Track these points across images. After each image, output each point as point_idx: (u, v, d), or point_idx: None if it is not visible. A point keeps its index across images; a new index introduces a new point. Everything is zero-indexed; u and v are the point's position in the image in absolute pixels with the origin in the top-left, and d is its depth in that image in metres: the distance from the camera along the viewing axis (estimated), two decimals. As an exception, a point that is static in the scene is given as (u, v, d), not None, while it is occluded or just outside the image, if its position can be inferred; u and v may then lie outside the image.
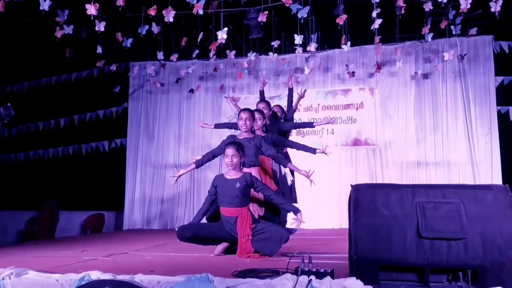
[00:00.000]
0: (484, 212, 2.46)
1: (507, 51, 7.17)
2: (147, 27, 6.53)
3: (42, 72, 8.80)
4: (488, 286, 2.35)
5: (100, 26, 5.75)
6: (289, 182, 5.30)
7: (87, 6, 5.36)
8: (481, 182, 7.07)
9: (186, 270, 2.76)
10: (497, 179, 7.10)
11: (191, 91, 8.35)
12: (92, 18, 5.43)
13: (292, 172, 5.40)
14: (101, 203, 8.94)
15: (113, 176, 8.77)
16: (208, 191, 4.23)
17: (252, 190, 4.15)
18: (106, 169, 8.93)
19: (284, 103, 7.93)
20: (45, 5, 5.34)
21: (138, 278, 2.53)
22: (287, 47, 8.02)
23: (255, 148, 4.46)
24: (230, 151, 4.06)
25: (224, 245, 4.09)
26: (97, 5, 5.38)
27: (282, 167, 5.27)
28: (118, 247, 4.85)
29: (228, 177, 4.10)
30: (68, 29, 6.13)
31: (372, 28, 6.24)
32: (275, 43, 7.25)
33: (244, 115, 4.48)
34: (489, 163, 7.24)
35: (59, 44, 6.46)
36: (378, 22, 6.12)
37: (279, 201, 4.13)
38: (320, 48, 7.60)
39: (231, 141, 4.29)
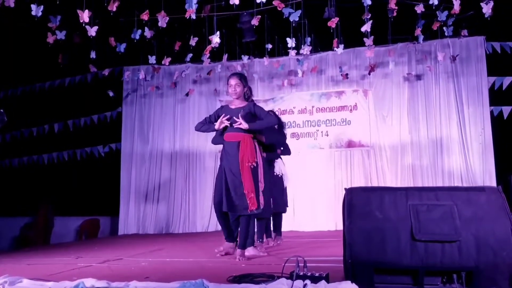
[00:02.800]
0: (477, 214, 2.47)
1: (499, 51, 7.21)
2: (140, 31, 6.53)
3: (35, 77, 8.77)
4: (482, 287, 2.36)
5: (92, 31, 5.74)
6: (285, 184, 5.27)
7: (79, 12, 5.34)
8: (475, 183, 7.10)
9: (181, 276, 2.76)
10: (491, 180, 7.13)
11: (187, 94, 8.35)
12: (84, 25, 5.42)
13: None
14: (96, 208, 8.91)
15: (108, 181, 8.74)
16: (210, 115, 4.28)
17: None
18: (101, 174, 8.90)
19: (278, 106, 8.00)
20: (38, 11, 5.33)
21: (133, 285, 2.52)
22: (281, 50, 8.04)
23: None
24: (233, 81, 4.13)
25: (227, 249, 4.10)
26: (89, 12, 5.36)
27: (279, 168, 5.25)
28: (113, 253, 4.83)
29: (233, 107, 4.17)
30: (61, 35, 6.12)
31: (364, 30, 6.26)
32: (269, 46, 7.26)
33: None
34: (482, 164, 7.27)
35: (52, 49, 6.44)
36: (368, 25, 6.15)
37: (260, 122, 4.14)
38: (313, 50, 7.62)
39: (233, 73, 4.25)
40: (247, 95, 4.25)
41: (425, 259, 2.41)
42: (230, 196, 4.01)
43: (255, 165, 4.02)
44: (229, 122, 4.08)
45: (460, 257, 2.40)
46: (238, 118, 4.04)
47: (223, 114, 4.12)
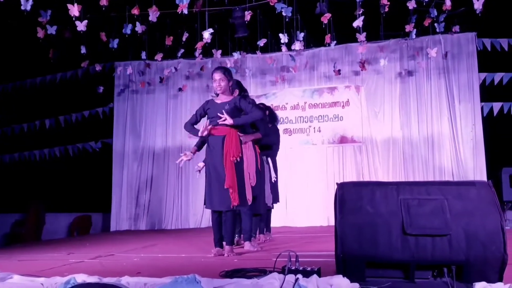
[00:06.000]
0: (467, 208, 2.48)
1: (489, 49, 7.24)
2: (131, 26, 6.50)
3: (26, 72, 8.70)
4: (472, 281, 2.38)
5: (82, 26, 5.70)
6: (273, 180, 5.26)
7: (70, 6, 5.30)
8: (466, 178, 7.15)
9: (173, 272, 2.76)
10: (482, 175, 7.18)
11: (180, 89, 8.33)
12: (74, 19, 5.38)
13: (276, 170, 5.38)
14: (88, 204, 8.87)
15: (100, 177, 8.71)
16: (196, 110, 4.25)
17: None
18: (93, 170, 8.86)
19: (270, 102, 8.00)
20: (27, 5, 5.28)
21: (125, 280, 2.51)
22: (273, 46, 8.04)
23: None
24: (217, 75, 4.08)
25: (219, 250, 4.10)
26: (80, 6, 5.32)
27: (269, 166, 5.23)
28: (105, 249, 4.81)
29: (218, 101, 4.13)
30: (51, 30, 6.07)
31: (355, 26, 6.27)
32: (261, 42, 7.25)
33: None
34: (473, 159, 7.33)
35: (43, 44, 6.39)
36: (360, 20, 6.16)
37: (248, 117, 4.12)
38: (306, 46, 7.62)
39: (217, 67, 4.25)
40: (233, 89, 4.22)
41: (416, 253, 2.43)
42: (214, 192, 4.00)
43: (238, 160, 4.01)
44: (207, 133, 4.01)
45: (450, 251, 2.41)
46: (223, 113, 4.00)
47: (207, 122, 4.08)
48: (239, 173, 4.03)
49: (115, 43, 6.86)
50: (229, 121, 3.98)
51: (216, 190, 3.99)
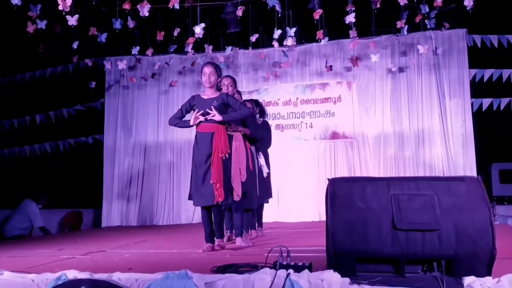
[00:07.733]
0: (457, 204, 2.50)
1: (479, 45, 7.29)
2: (121, 21, 6.46)
3: (15, 67, 8.62)
4: (462, 275, 2.40)
5: (73, 21, 5.66)
6: (265, 174, 5.26)
7: (60, 1, 5.26)
8: (456, 173, 7.20)
9: (165, 267, 2.75)
10: (472, 170, 7.24)
11: (171, 85, 8.31)
12: (64, 13, 5.34)
13: (268, 164, 5.38)
14: (79, 200, 8.82)
15: (91, 173, 8.66)
16: (182, 105, 4.22)
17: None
18: (84, 166, 8.81)
19: (262, 98, 8.01)
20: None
21: (116, 276, 2.50)
22: (265, 41, 8.03)
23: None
24: (207, 69, 4.10)
25: (210, 246, 4.11)
26: (70, 1, 5.28)
27: (259, 159, 5.22)
28: (96, 245, 4.79)
29: (205, 97, 4.14)
30: (41, 24, 6.02)
31: (348, 22, 6.29)
32: (253, 37, 7.24)
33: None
34: (463, 154, 7.39)
35: (33, 39, 6.33)
36: (352, 16, 6.17)
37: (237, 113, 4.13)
38: (298, 42, 7.62)
39: (208, 61, 4.26)
40: (219, 86, 4.25)
41: (406, 248, 2.44)
42: (200, 188, 4.01)
43: (227, 156, 4.03)
44: (204, 118, 4.03)
45: (440, 246, 2.43)
46: (211, 109, 4.00)
47: (197, 110, 4.05)
48: (225, 169, 4.05)
49: (103, 37, 6.81)
50: (218, 117, 3.98)
51: (202, 186, 4.00)
